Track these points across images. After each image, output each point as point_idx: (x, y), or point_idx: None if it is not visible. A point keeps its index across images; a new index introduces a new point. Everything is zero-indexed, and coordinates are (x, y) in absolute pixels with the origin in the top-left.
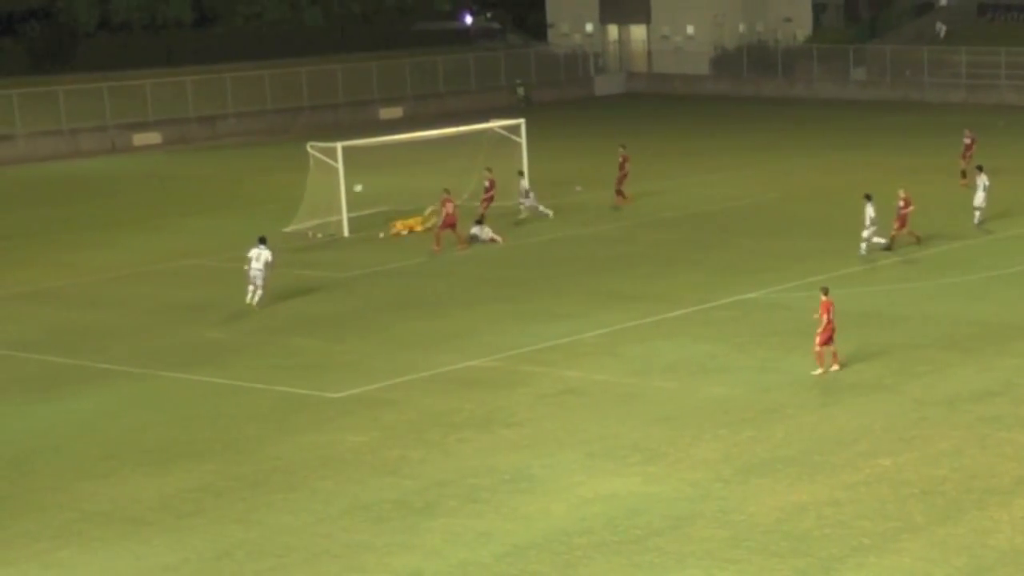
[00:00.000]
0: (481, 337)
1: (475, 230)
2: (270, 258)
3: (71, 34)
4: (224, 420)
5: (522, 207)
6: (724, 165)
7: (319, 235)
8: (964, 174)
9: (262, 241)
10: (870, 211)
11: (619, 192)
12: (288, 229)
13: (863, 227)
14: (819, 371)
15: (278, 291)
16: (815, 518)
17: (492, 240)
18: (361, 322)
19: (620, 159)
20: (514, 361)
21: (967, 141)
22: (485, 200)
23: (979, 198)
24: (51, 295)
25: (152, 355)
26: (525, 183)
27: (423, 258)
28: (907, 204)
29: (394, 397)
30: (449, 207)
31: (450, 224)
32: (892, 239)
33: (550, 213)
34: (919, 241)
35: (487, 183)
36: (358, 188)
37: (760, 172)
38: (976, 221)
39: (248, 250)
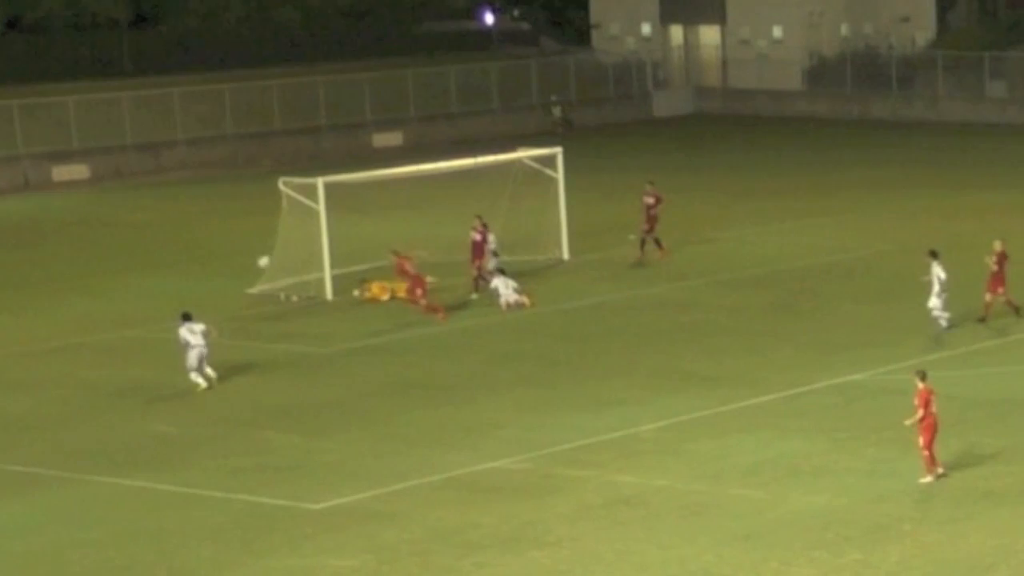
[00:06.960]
0: (505, 431)
1: (497, 282)
2: (205, 326)
3: None
4: (172, 539)
5: (483, 281)
6: (821, 208)
7: (294, 298)
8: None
9: (187, 318)
10: (939, 273)
11: (648, 242)
12: (254, 290)
13: (932, 294)
14: (928, 478)
15: (241, 370)
16: None
17: (518, 303)
18: (349, 411)
19: (648, 200)
20: (548, 462)
21: (649, 200)
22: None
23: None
24: None
25: (79, 454)
26: (492, 243)
27: (433, 327)
28: (1001, 260)
29: (393, 509)
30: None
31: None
32: (986, 308)
33: (525, 301)
34: (1018, 312)
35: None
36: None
37: (867, 217)
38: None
39: (178, 331)
